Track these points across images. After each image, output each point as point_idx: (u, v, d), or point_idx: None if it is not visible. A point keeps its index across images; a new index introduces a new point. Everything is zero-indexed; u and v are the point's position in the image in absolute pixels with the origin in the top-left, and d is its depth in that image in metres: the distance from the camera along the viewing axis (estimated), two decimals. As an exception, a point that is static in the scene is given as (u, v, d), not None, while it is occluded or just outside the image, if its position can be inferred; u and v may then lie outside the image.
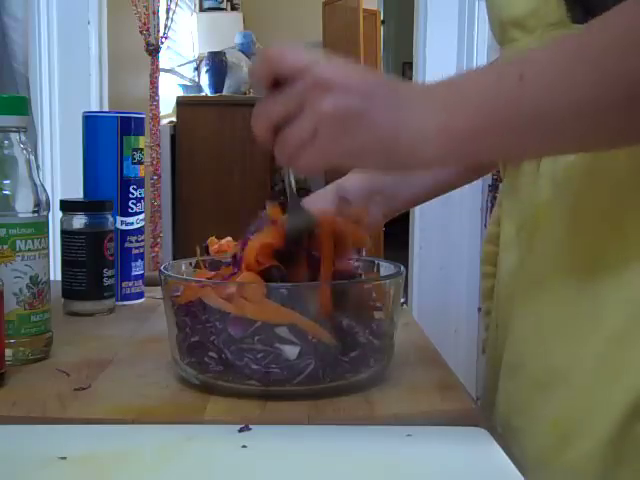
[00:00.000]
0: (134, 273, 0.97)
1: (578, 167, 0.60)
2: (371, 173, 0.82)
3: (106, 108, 2.26)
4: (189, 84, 4.13)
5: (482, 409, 0.68)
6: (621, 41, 0.49)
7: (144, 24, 2.98)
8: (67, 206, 0.91)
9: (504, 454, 0.51)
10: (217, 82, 3.84)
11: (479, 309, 2.06)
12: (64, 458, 0.49)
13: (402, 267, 0.67)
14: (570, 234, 0.60)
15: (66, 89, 2.15)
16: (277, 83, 0.56)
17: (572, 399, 0.57)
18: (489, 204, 2.15)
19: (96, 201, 0.93)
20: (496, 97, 0.53)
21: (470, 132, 0.53)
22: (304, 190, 4.37)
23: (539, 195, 0.63)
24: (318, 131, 0.55)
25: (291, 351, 0.59)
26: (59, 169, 2.15)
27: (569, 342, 0.58)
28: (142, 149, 0.98)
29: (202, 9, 4.50)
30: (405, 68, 6.36)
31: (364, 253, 0.82)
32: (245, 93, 3.94)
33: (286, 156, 0.57)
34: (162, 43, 3.09)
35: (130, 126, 0.97)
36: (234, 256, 0.66)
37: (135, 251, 0.98)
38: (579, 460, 0.56)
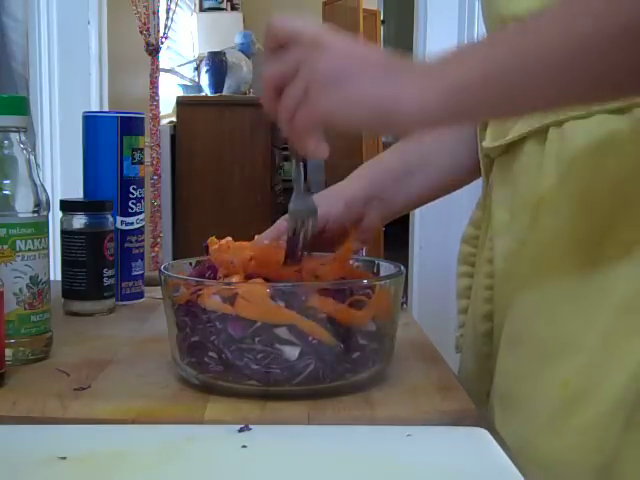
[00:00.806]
0: (134, 273, 0.97)
1: (586, 145, 0.60)
2: (369, 176, 0.83)
3: (106, 108, 2.26)
4: (189, 84, 4.13)
5: None
6: None
7: (144, 24, 2.98)
8: (67, 206, 0.91)
9: (504, 454, 0.51)
10: (217, 82, 3.84)
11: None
12: (64, 458, 0.49)
13: (402, 267, 0.67)
14: (579, 211, 0.60)
15: (66, 89, 2.15)
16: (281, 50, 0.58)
17: (582, 362, 0.57)
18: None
19: (96, 201, 0.93)
20: (493, 47, 0.53)
21: (467, 82, 0.53)
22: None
23: (543, 175, 0.63)
24: (309, 88, 0.56)
25: (291, 352, 0.59)
26: (59, 169, 2.15)
27: (578, 313, 0.58)
28: (142, 149, 0.98)
29: (202, 9, 4.50)
30: (405, 68, 6.35)
31: (364, 253, 0.82)
32: (245, 93, 3.93)
33: (284, 120, 0.58)
34: (162, 43, 3.09)
35: (130, 126, 0.96)
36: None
37: (135, 251, 0.98)
38: (590, 422, 0.56)
